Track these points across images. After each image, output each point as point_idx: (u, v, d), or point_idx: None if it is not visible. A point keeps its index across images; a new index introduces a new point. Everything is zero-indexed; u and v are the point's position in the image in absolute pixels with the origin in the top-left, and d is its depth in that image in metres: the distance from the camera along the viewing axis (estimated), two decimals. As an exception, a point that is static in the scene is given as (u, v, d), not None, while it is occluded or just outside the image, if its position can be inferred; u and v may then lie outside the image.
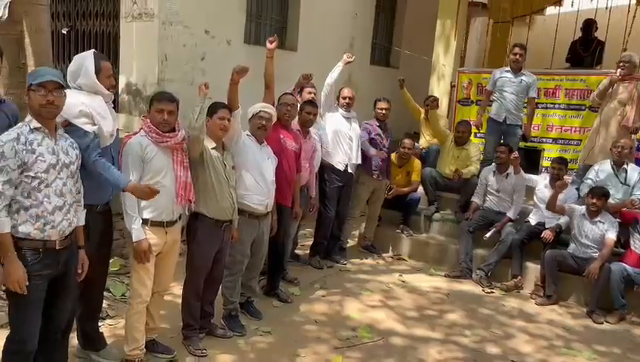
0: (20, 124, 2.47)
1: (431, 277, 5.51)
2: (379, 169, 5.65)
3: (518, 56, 5.95)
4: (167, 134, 3.16)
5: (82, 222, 2.72)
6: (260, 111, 3.89)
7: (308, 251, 5.61)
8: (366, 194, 5.78)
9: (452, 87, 7.51)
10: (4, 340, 2.55)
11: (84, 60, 2.98)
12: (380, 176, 5.69)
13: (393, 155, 6.00)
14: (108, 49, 5.60)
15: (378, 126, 5.68)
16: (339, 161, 5.25)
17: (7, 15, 3.47)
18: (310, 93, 5.06)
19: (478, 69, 7.62)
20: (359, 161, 5.41)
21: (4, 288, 2.48)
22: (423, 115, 6.85)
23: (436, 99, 6.74)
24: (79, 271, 2.74)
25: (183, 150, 3.28)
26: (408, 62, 8.50)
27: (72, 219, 2.60)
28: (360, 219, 6.06)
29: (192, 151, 3.33)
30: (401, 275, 5.46)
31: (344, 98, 5.34)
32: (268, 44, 4.13)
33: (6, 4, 3.45)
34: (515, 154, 5.48)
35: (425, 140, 6.92)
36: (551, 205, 5.10)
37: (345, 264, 5.59)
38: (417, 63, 8.17)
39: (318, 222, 5.43)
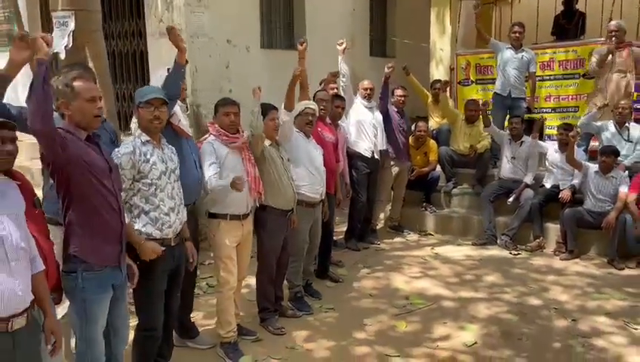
0: (131, 138, 2.82)
1: (459, 247, 5.94)
2: (401, 152, 6.06)
3: (517, 34, 6.41)
4: (234, 135, 3.53)
5: (185, 218, 3.06)
6: (306, 108, 4.25)
7: (342, 236, 5.98)
8: (391, 177, 6.18)
9: (451, 69, 7.93)
10: (135, 331, 2.90)
11: (160, 77, 3.32)
12: (402, 160, 6.10)
13: (410, 138, 6.40)
14: (135, 66, 5.90)
15: (397, 112, 6.09)
16: (366, 149, 5.62)
17: (71, 43, 3.79)
18: (333, 88, 5.44)
19: (475, 50, 8.04)
20: (385, 147, 5.80)
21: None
22: (430, 99, 7.26)
23: (447, 82, 7.14)
24: (190, 260, 3.09)
25: (248, 149, 3.65)
26: (404, 50, 8.90)
27: (181, 217, 2.95)
28: (386, 201, 6.45)
29: (256, 149, 3.69)
30: (432, 248, 5.88)
31: (365, 89, 5.70)
32: (299, 47, 4.48)
33: (69, 33, 3.77)
34: (539, 120, 5.93)
35: (434, 122, 7.32)
36: (570, 158, 5.53)
37: (379, 244, 6.00)
38: (413, 50, 8.57)
39: (351, 207, 5.80)
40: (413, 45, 8.38)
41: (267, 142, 3.83)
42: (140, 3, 5.72)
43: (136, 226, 2.75)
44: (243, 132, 3.61)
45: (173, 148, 3.00)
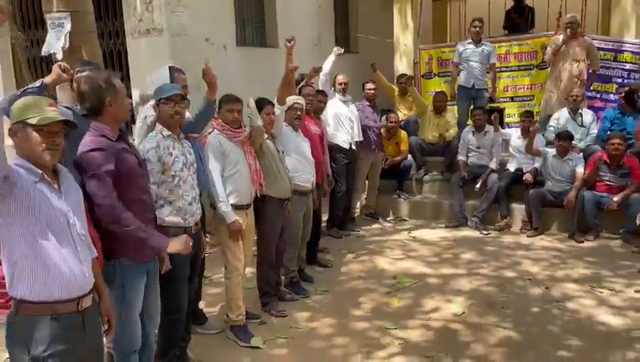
0: (153, 133, 2.97)
1: (434, 230, 6.33)
2: (374, 143, 6.39)
3: (477, 29, 6.83)
4: (237, 130, 3.72)
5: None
6: (295, 103, 4.47)
7: (324, 225, 6.23)
8: (366, 167, 6.50)
9: (415, 63, 8.32)
10: (161, 315, 3.07)
11: (162, 74, 3.49)
12: (376, 150, 6.43)
13: (382, 130, 6.73)
14: (113, 66, 5.94)
15: (369, 105, 6.40)
16: (344, 141, 5.90)
17: (68, 44, 3.87)
18: (312, 84, 5.69)
19: (436, 44, 8.47)
20: (361, 138, 6.10)
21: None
22: (397, 92, 7.61)
23: (411, 77, 7.51)
24: (202, 249, 3.29)
25: (249, 143, 3.85)
26: (368, 46, 9.23)
27: (200, 207, 3.14)
28: (361, 190, 6.76)
29: (256, 142, 3.90)
30: (409, 232, 6.24)
31: (340, 84, 6.00)
32: (286, 44, 4.70)
33: (66, 34, 3.85)
34: (496, 114, 6.37)
35: (402, 114, 7.66)
36: (529, 148, 6.02)
37: (358, 231, 6.31)
38: (376, 46, 8.91)
39: (331, 197, 6.06)
40: (377, 41, 8.72)
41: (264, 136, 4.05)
42: (117, 3, 5.77)
43: (161, 216, 2.91)
44: (244, 126, 3.81)
45: (189, 143, 3.17)
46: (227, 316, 3.83)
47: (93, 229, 2.37)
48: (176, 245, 2.63)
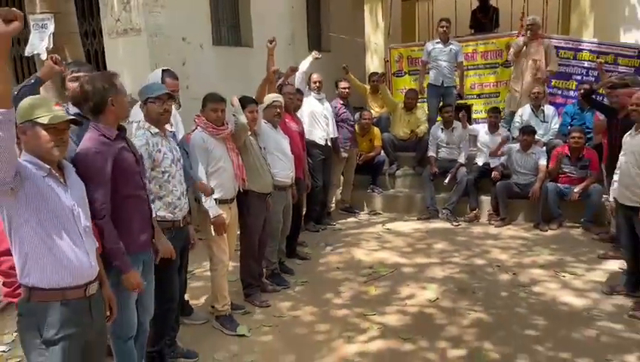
0: (141, 131, 3.09)
1: (407, 222, 6.58)
2: (349, 140, 6.60)
3: (445, 29, 7.10)
4: (220, 127, 3.86)
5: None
6: (274, 101, 4.63)
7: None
8: (341, 163, 6.70)
9: (386, 62, 8.56)
10: (154, 305, 3.19)
11: (156, 77, 3.61)
12: (350, 146, 6.64)
13: (356, 126, 6.94)
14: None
15: (342, 104, 6.60)
16: (320, 137, 6.09)
17: (52, 45, 3.94)
18: (289, 83, 5.86)
19: (406, 43, 8.74)
20: (336, 135, 6.30)
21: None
22: (369, 90, 7.84)
23: (383, 74, 7.74)
24: (192, 241, 3.43)
25: (231, 140, 4.00)
26: (339, 45, 9.45)
27: (187, 201, 3.28)
28: (337, 185, 6.97)
29: (240, 139, 4.04)
30: (383, 225, 6.47)
31: (314, 82, 6.18)
32: (268, 44, 4.86)
33: (49, 35, 3.92)
34: (463, 112, 6.66)
35: (374, 111, 7.89)
36: (496, 153, 6.37)
37: (334, 225, 6.51)
38: (347, 45, 9.14)
39: (308, 192, 6.24)
40: (348, 40, 8.94)
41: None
42: (94, 3, 5.81)
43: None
44: (227, 124, 3.95)
45: (174, 140, 3.31)
46: (213, 307, 3.97)
47: (92, 221, 2.49)
48: (131, 278, 2.64)
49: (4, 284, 2.78)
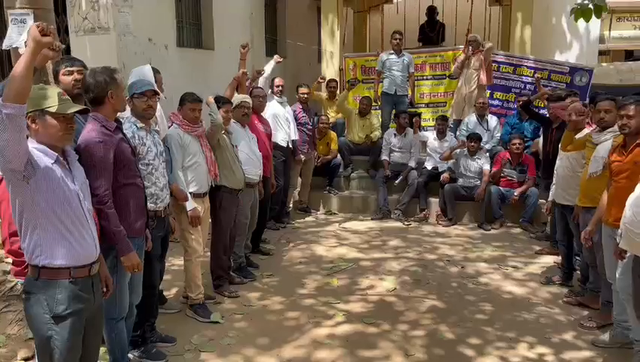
0: (127, 125, 3.26)
1: (361, 221, 6.95)
2: (307, 143, 6.90)
3: (398, 41, 7.56)
4: (195, 125, 4.07)
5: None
6: (242, 102, 4.86)
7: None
8: (299, 165, 6.98)
9: (340, 70, 8.95)
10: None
11: (145, 73, 3.77)
12: (308, 149, 6.95)
13: (315, 130, 7.26)
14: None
15: (302, 109, 6.91)
16: (282, 139, 6.35)
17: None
18: (257, 86, 6.11)
19: (360, 53, 9.16)
20: (297, 137, 6.59)
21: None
22: (325, 97, 8.18)
23: (353, 83, 8.09)
24: (172, 231, 3.62)
25: (204, 137, 4.21)
26: (295, 51, 9.76)
27: (169, 193, 3.47)
28: (295, 185, 7.24)
29: (214, 137, 4.26)
30: (340, 224, 6.81)
31: (277, 86, 6.45)
32: (241, 49, 5.09)
33: (28, 30, 3.97)
34: (417, 119, 7.12)
35: (330, 116, 8.24)
36: (445, 157, 6.85)
37: (293, 223, 6.78)
38: (303, 51, 9.48)
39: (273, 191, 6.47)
40: (304, 47, 9.27)
41: (219, 131, 4.41)
42: (60, 1, 5.82)
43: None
44: (202, 122, 4.16)
45: (157, 134, 3.49)
46: (186, 296, 4.16)
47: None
48: (132, 259, 2.83)
49: (14, 264, 2.87)
